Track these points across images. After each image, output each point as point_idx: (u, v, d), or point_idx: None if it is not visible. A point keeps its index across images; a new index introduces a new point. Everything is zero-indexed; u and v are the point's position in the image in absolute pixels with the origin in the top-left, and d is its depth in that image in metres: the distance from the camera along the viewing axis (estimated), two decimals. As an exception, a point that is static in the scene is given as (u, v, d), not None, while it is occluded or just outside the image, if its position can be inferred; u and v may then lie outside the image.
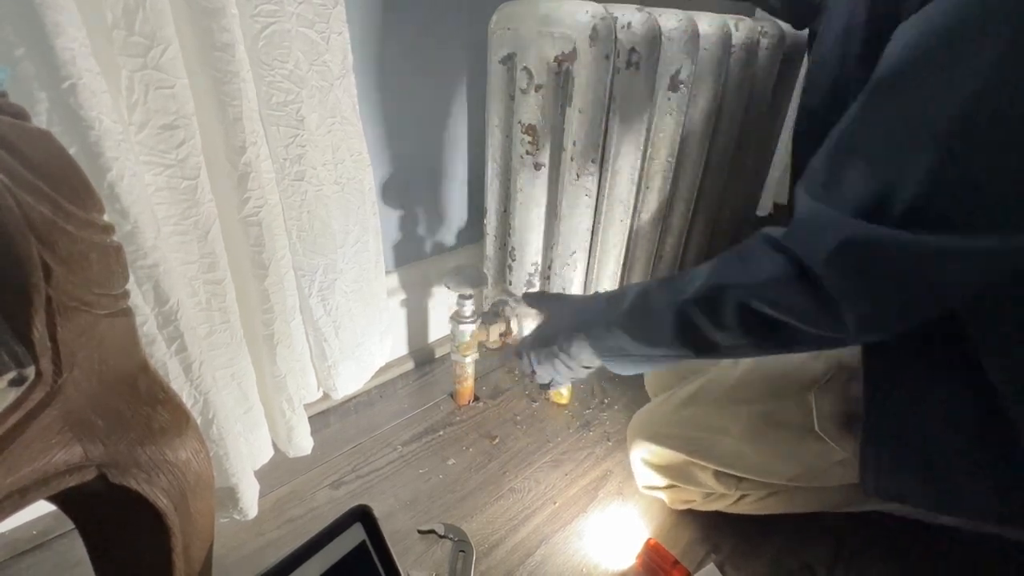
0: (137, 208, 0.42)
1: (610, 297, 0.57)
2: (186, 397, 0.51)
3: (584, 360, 0.57)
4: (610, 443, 0.82)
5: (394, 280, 0.87)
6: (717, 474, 0.62)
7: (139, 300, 0.44)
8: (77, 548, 0.42)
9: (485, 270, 0.88)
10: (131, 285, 0.44)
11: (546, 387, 0.62)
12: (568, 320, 0.58)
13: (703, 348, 0.47)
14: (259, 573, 0.46)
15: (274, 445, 0.69)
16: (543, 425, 0.84)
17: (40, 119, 0.37)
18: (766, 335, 0.43)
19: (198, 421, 0.52)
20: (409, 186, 0.82)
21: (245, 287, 0.58)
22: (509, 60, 0.71)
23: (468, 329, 0.79)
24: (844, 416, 0.53)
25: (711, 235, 1.09)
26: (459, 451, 0.79)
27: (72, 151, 0.38)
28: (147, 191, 0.45)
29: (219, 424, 0.54)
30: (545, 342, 0.59)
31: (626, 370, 0.56)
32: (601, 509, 0.71)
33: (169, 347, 0.48)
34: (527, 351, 0.61)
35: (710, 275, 0.46)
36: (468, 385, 0.86)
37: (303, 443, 0.69)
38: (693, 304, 0.46)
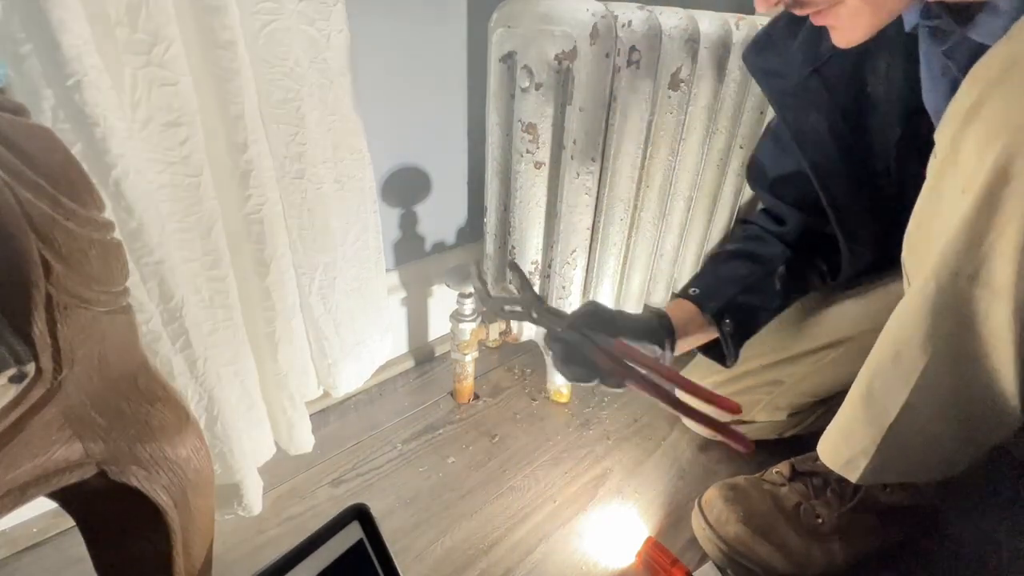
0: (142, 205, 0.42)
1: None
2: (191, 394, 0.51)
3: None
4: (610, 441, 0.82)
5: (394, 278, 0.87)
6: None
7: (144, 297, 0.44)
8: (77, 545, 0.42)
9: (485, 268, 0.88)
10: (136, 282, 0.44)
11: None
12: None
13: None
14: (258, 571, 0.46)
15: (275, 442, 0.69)
16: (543, 423, 0.84)
17: (45, 116, 0.37)
18: None
19: (202, 418, 0.53)
20: (409, 184, 0.82)
21: (247, 285, 0.58)
22: (509, 58, 0.71)
23: (468, 327, 0.79)
24: None
25: (709, 234, 1.09)
26: (459, 449, 0.79)
27: (77, 148, 0.38)
28: (151, 188, 0.45)
29: (224, 421, 0.54)
30: None
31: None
32: (601, 507, 0.71)
33: (174, 344, 0.48)
34: None
35: None
36: (468, 383, 0.86)
37: (304, 440, 0.69)
38: None
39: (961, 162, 0.39)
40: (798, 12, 0.45)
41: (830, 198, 0.63)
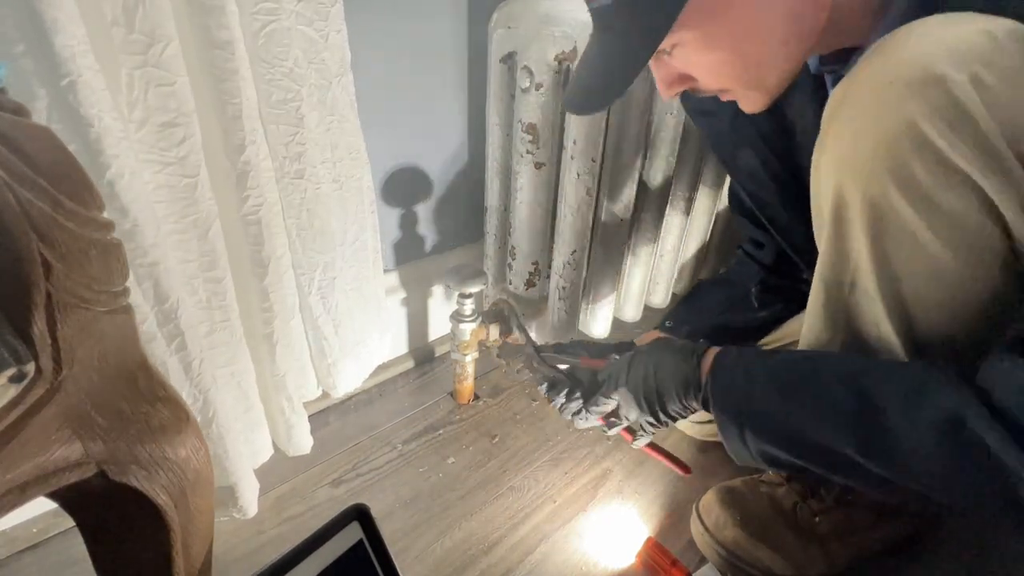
0: (137, 206, 0.42)
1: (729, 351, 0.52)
2: (186, 396, 0.51)
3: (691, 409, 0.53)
4: (610, 442, 0.81)
5: (394, 279, 0.87)
6: None
7: (139, 298, 0.44)
8: (77, 546, 0.43)
9: (485, 269, 0.88)
10: (131, 283, 0.44)
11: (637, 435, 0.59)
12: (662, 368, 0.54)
13: (875, 439, 0.40)
14: (257, 572, 0.46)
15: (274, 444, 0.69)
16: (543, 424, 0.84)
17: (39, 116, 0.37)
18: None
19: (198, 420, 0.53)
20: (409, 185, 0.82)
21: (245, 286, 0.58)
22: (510, 59, 0.71)
23: (468, 328, 0.79)
24: None
25: (710, 234, 1.09)
26: (459, 450, 0.79)
27: (71, 149, 0.38)
28: (147, 189, 0.45)
29: (219, 423, 0.54)
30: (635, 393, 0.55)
31: (736, 444, 0.49)
32: (601, 508, 0.71)
33: (169, 345, 0.48)
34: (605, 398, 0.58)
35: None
36: (468, 384, 0.86)
37: (302, 442, 0.69)
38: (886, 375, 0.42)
39: (818, 186, 0.45)
40: (699, 95, 0.51)
41: (773, 224, 0.67)
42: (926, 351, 0.44)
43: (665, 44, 0.45)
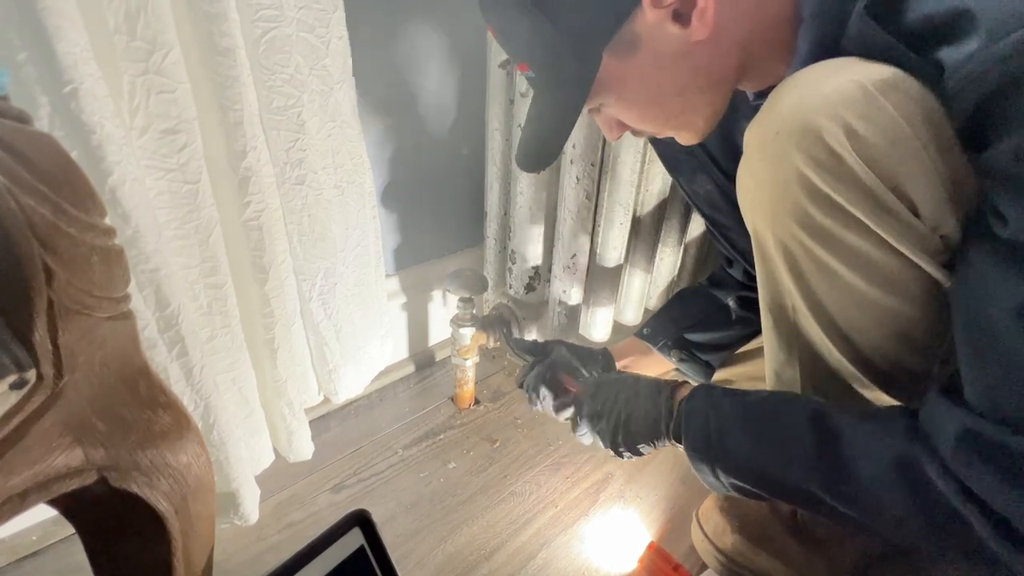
0: (138, 213, 0.42)
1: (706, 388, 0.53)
2: (187, 402, 0.51)
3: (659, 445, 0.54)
4: (611, 446, 0.81)
5: (395, 283, 0.87)
6: None
7: (140, 304, 0.44)
8: (77, 553, 0.42)
9: (485, 273, 0.88)
10: (132, 289, 0.44)
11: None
12: (642, 401, 0.55)
13: (837, 477, 0.41)
14: (259, 578, 0.46)
15: (275, 450, 0.69)
16: (544, 428, 0.84)
17: (42, 123, 0.37)
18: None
19: (199, 426, 0.52)
20: (409, 190, 0.82)
21: (246, 291, 0.58)
22: (508, 64, 0.71)
23: (468, 332, 0.79)
24: None
25: (709, 238, 1.09)
26: (460, 454, 0.79)
27: (73, 155, 0.38)
28: (148, 195, 0.45)
29: (220, 429, 0.54)
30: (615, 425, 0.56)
31: (708, 476, 0.50)
32: (603, 512, 0.71)
33: (170, 351, 0.48)
34: (586, 423, 0.59)
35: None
36: (469, 388, 0.86)
37: (304, 448, 0.69)
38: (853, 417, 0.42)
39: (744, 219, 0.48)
40: (639, 137, 0.53)
41: (733, 246, 0.67)
42: (878, 374, 0.44)
43: (591, 104, 0.48)
